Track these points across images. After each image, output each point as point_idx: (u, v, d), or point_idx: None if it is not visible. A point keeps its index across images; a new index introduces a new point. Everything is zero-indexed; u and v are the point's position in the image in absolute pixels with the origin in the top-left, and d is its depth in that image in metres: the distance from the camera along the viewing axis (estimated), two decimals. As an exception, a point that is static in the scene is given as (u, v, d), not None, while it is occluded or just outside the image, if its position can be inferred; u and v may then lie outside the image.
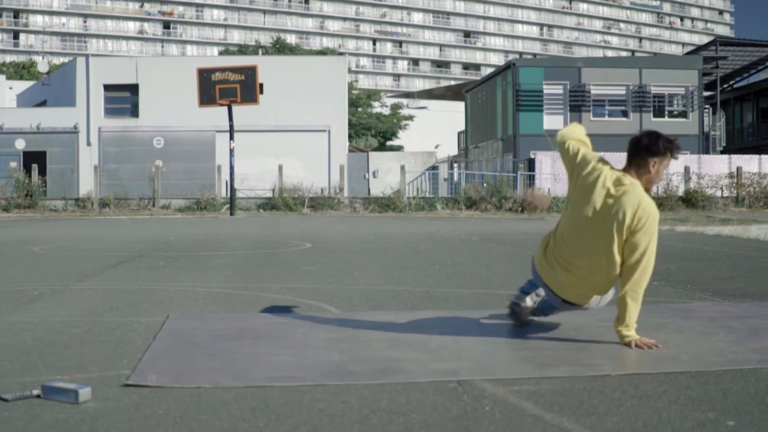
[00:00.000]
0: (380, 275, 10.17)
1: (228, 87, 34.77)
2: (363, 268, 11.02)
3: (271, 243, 16.85)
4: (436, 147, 68.81)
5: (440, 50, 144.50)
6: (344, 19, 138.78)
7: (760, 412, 3.77)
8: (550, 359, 4.85)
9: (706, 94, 58.93)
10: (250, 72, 35.23)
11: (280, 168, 40.84)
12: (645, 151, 5.45)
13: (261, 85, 38.97)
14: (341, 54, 77.22)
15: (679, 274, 9.87)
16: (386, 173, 43.85)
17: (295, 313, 6.86)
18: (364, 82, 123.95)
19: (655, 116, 50.25)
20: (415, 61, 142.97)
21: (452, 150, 71.86)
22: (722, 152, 52.89)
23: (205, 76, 35.32)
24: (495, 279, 9.69)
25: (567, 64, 54.89)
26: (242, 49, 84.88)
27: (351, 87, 71.54)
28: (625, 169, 5.53)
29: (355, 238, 18.38)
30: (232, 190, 36.00)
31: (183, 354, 5.15)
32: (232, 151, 35.58)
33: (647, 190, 5.49)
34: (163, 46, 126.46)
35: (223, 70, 35.46)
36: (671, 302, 7.50)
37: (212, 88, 34.86)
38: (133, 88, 44.33)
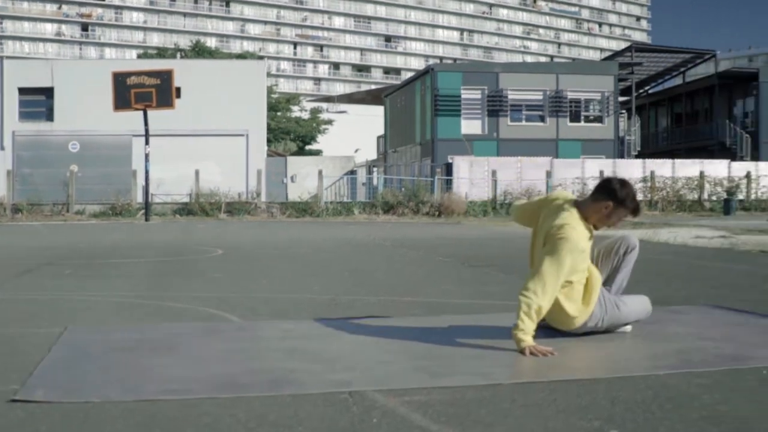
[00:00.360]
0: (288, 283, 10.13)
1: (143, 91, 34.43)
2: (272, 276, 10.97)
3: (182, 249, 16.69)
4: (356, 151, 68.81)
5: (361, 54, 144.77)
6: (265, 22, 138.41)
7: (644, 420, 3.81)
8: (444, 368, 4.86)
9: (622, 99, 59.82)
10: (166, 76, 34.94)
11: (197, 173, 40.55)
12: (606, 192, 5.68)
13: (178, 89, 38.70)
14: (261, 58, 76.86)
15: (586, 280, 9.97)
16: (305, 178, 43.70)
17: (196, 323, 6.78)
18: (285, 86, 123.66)
19: (571, 121, 50.91)
20: (336, 65, 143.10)
21: (372, 154, 71.95)
22: (637, 156, 53.73)
23: (120, 80, 34.93)
24: (403, 286, 9.70)
25: (485, 69, 55.37)
26: (161, 52, 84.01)
27: (271, 91, 71.21)
28: (582, 201, 5.79)
29: (268, 244, 18.30)
30: (147, 195, 35.63)
31: (76, 367, 5.06)
32: (147, 156, 35.23)
33: (595, 227, 5.73)
34: (81, 49, 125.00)
35: (138, 74, 35.11)
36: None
37: (127, 93, 34.48)
38: (49, 92, 43.63)
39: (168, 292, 9.15)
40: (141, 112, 35.17)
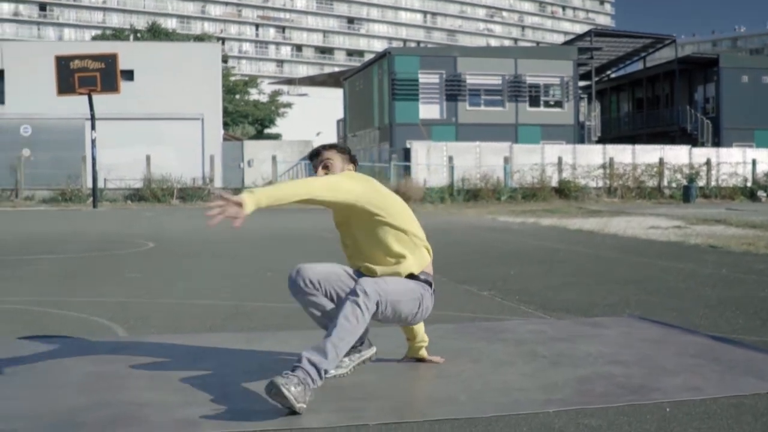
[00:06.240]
0: (203, 284, 9.58)
1: (87, 75, 33.66)
2: (189, 276, 10.40)
3: (112, 242, 16.07)
4: (318, 135, 68.33)
5: (324, 36, 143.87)
6: (226, 3, 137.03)
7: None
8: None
9: (583, 84, 59.60)
10: (111, 60, 34.16)
11: (148, 158, 39.92)
12: None
13: (131, 72, 38.26)
14: (221, 39, 75.96)
15: (515, 282, 9.52)
16: (262, 162, 43.13)
17: (70, 339, 6.17)
18: (247, 68, 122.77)
19: (530, 106, 50.64)
20: (299, 47, 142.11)
21: (332, 138, 71.46)
22: (598, 142, 53.49)
23: (63, 63, 34.14)
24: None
25: (443, 53, 54.89)
26: (117, 34, 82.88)
27: (228, 74, 70.39)
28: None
29: (205, 236, 17.52)
30: (95, 181, 34.95)
31: None
32: (94, 141, 34.52)
33: None
34: (39, 29, 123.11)
35: (82, 57, 34.33)
36: (487, 318, 7.09)
37: (71, 77, 33.73)
38: (-1, 74, 42.91)
39: (68, 296, 8.55)
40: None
